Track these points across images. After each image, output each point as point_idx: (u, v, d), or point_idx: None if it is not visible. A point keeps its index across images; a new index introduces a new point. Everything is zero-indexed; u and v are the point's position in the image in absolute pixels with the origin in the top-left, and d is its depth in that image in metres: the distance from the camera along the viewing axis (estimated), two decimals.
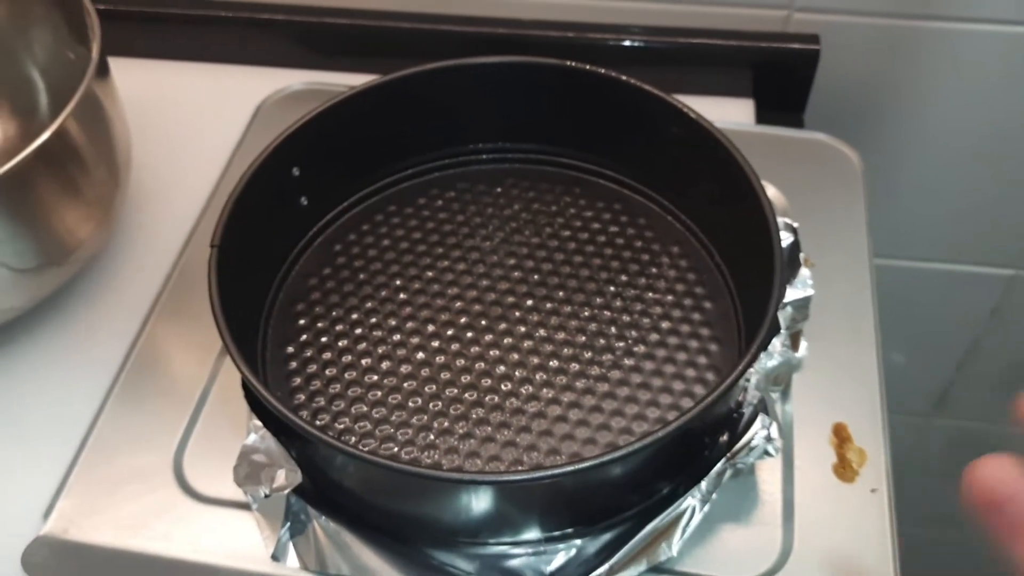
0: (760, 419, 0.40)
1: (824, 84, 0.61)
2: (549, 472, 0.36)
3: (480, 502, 0.38)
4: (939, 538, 0.98)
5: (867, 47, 0.61)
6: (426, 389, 0.44)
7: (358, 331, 0.47)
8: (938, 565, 0.90)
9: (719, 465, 0.39)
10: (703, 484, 0.39)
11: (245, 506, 0.42)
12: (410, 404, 0.44)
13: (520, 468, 0.41)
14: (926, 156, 0.68)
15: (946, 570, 0.95)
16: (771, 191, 0.43)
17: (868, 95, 0.64)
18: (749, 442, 0.40)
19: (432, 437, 0.43)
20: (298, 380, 0.45)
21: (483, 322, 0.47)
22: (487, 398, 0.44)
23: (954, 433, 0.90)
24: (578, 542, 0.40)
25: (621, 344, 0.46)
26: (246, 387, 0.40)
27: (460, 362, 0.45)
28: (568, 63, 0.49)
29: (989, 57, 0.61)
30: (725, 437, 0.42)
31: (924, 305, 0.77)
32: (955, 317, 0.79)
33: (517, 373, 0.45)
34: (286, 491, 0.39)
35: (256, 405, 0.40)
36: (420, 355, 0.46)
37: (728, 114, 0.58)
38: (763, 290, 0.40)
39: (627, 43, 0.61)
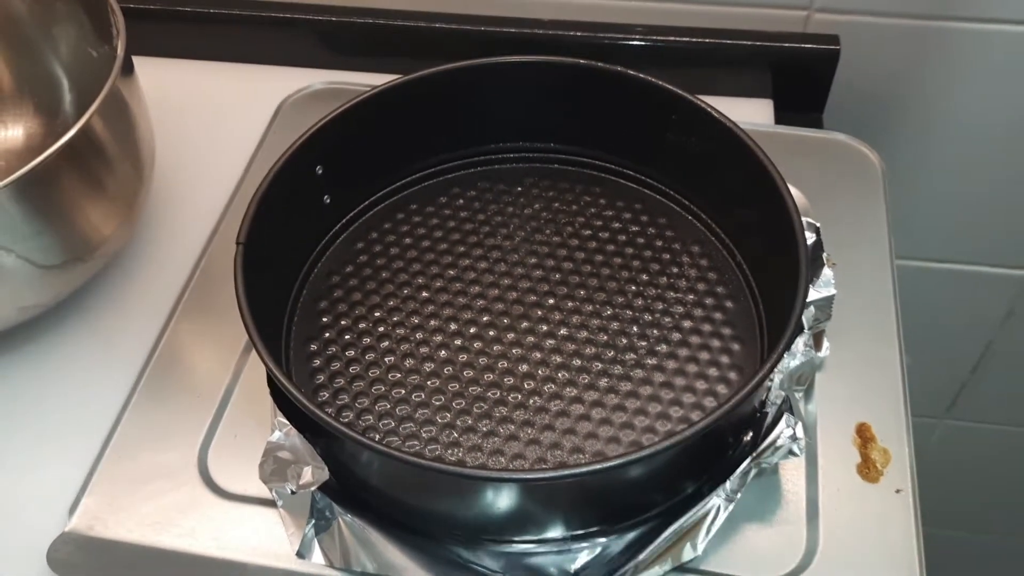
0: (785, 418, 0.40)
1: (843, 84, 0.61)
2: (575, 471, 0.36)
3: (505, 500, 0.38)
4: (953, 538, 0.98)
5: (887, 47, 0.61)
6: (449, 387, 0.44)
7: (381, 329, 0.47)
8: (953, 565, 0.90)
9: (744, 464, 0.39)
10: (728, 484, 0.39)
11: (270, 503, 0.42)
12: (433, 402, 0.44)
13: (545, 466, 0.41)
14: (942, 157, 0.68)
15: (958, 570, 0.95)
16: (792, 191, 0.43)
17: (887, 96, 0.64)
18: (774, 442, 0.40)
19: (455, 435, 0.43)
20: (321, 377, 0.45)
21: (505, 321, 0.47)
22: (510, 396, 0.44)
23: (967, 436, 0.90)
24: (603, 540, 0.40)
25: (643, 343, 0.46)
26: (272, 383, 0.41)
27: (483, 360, 0.45)
28: (589, 62, 0.49)
29: (1008, 58, 0.61)
30: (748, 436, 0.42)
31: (938, 306, 0.77)
32: (970, 319, 0.79)
33: (539, 372, 0.45)
34: (313, 488, 0.39)
35: (282, 401, 0.40)
36: (443, 353, 0.46)
37: (747, 114, 0.58)
38: (786, 290, 0.40)
39: (645, 43, 0.61)
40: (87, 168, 0.46)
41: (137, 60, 0.50)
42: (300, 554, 0.40)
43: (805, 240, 0.41)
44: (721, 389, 0.44)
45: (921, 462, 0.44)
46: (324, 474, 0.39)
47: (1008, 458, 0.91)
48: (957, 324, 0.78)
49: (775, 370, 0.41)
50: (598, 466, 0.35)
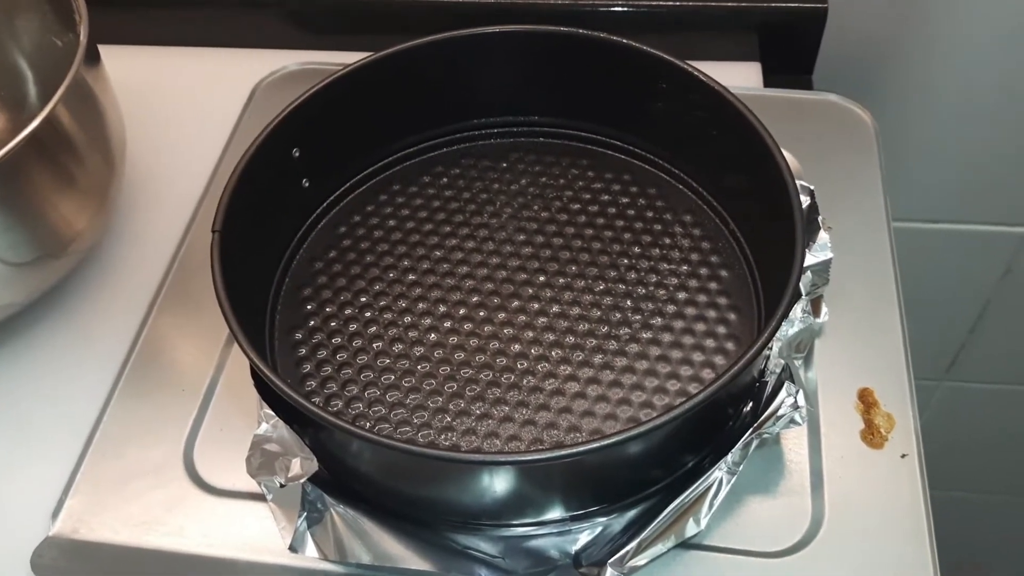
0: (786, 387, 0.39)
1: (831, 43, 0.60)
2: (572, 450, 0.34)
3: (502, 483, 0.37)
4: (955, 498, 0.98)
5: (875, 3, 0.59)
6: (440, 370, 0.43)
7: (368, 314, 0.45)
8: (956, 526, 0.89)
9: (746, 436, 0.38)
10: (729, 456, 0.38)
11: (259, 497, 0.41)
12: (424, 386, 0.43)
13: (541, 447, 0.40)
14: (935, 114, 0.66)
15: (964, 531, 0.94)
16: (785, 155, 0.42)
17: (876, 53, 0.63)
18: (776, 411, 0.38)
19: (449, 419, 0.41)
20: (308, 366, 0.44)
21: (495, 300, 0.46)
22: (503, 377, 0.43)
23: (967, 396, 0.89)
24: (603, 519, 0.39)
25: (637, 317, 0.45)
26: (256, 375, 0.39)
27: (474, 342, 0.44)
28: (570, 29, 0.48)
29: (1000, 11, 0.59)
30: (748, 407, 0.41)
31: (934, 267, 0.76)
32: (967, 278, 0.78)
33: (533, 350, 0.44)
34: (302, 480, 0.38)
35: (267, 393, 0.39)
36: (432, 336, 0.44)
37: (735, 78, 0.56)
38: (782, 256, 0.39)
39: (627, 8, 0.59)
40: (55, 160, 0.44)
41: (104, 49, 0.49)
42: (293, 548, 0.39)
43: (800, 204, 0.40)
44: (719, 360, 0.43)
45: (921, 424, 0.43)
46: (313, 465, 0.37)
47: (1009, 417, 0.90)
48: (954, 284, 0.77)
49: (773, 338, 0.40)
50: (596, 444, 0.34)
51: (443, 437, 0.41)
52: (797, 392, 0.39)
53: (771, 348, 0.41)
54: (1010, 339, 0.82)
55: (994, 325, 0.80)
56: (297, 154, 0.46)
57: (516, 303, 0.46)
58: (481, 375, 0.43)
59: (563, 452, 0.34)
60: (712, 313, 0.45)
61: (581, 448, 0.34)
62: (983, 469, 0.96)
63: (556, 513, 0.39)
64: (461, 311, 0.45)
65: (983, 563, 1.06)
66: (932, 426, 0.84)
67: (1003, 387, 0.87)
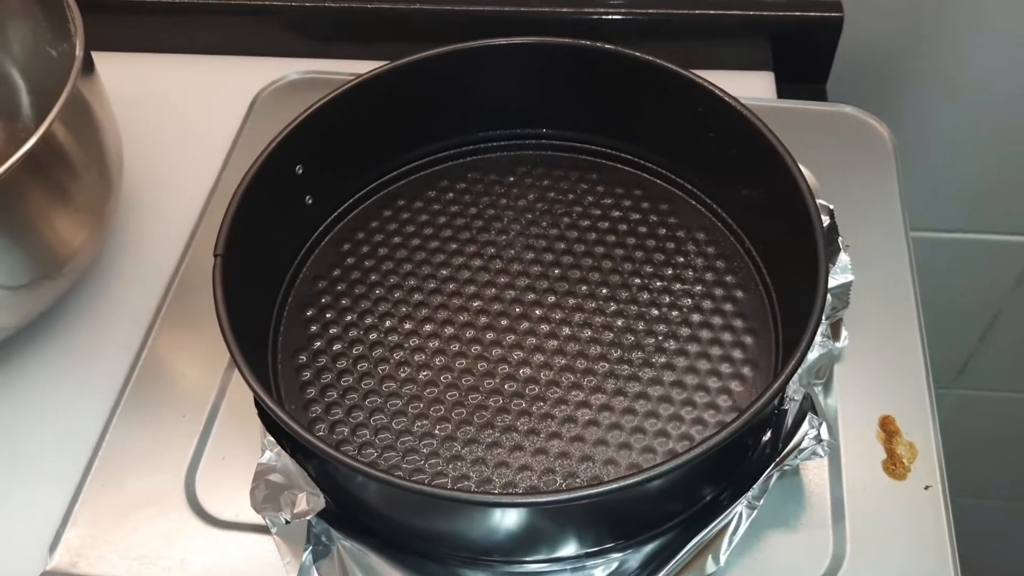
0: (808, 419, 0.37)
1: (846, 53, 0.58)
2: (588, 491, 0.33)
3: (514, 521, 0.36)
4: (961, 505, 0.97)
5: (890, 12, 0.58)
6: (448, 396, 0.42)
7: (373, 336, 0.44)
8: (964, 531, 0.89)
9: (768, 470, 0.37)
10: (750, 491, 0.37)
11: (264, 529, 0.40)
12: (432, 413, 0.41)
13: (554, 481, 0.39)
14: (948, 123, 0.65)
15: (973, 537, 0.93)
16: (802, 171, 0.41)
17: (890, 63, 0.61)
18: (798, 444, 0.37)
19: (457, 447, 0.40)
20: (313, 391, 0.42)
21: (504, 322, 0.44)
22: (513, 403, 0.42)
23: (976, 404, 0.88)
24: (619, 555, 0.38)
25: (650, 340, 0.43)
26: (259, 404, 0.38)
27: (482, 365, 0.43)
28: (579, 41, 0.46)
29: (1017, 21, 0.58)
30: (768, 436, 0.40)
31: (946, 277, 0.75)
32: (979, 287, 0.77)
33: (543, 375, 0.42)
34: (308, 517, 0.36)
35: (270, 423, 0.38)
36: (439, 360, 0.43)
37: (748, 89, 0.55)
38: (801, 276, 0.38)
39: (637, 17, 0.58)
40: (51, 178, 0.43)
41: (98, 56, 0.47)
42: None
43: (822, 227, 0.38)
44: (735, 386, 0.42)
45: None
46: (320, 502, 0.36)
47: (1018, 424, 0.89)
48: (966, 293, 0.76)
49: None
50: (614, 486, 0.32)
51: (451, 467, 0.40)
52: (820, 425, 0.37)
53: None
54: (1020, 348, 0.81)
55: (1005, 334, 0.79)
56: (300, 171, 0.45)
57: (525, 325, 0.44)
58: (490, 401, 0.42)
59: (578, 494, 0.33)
60: (728, 336, 0.43)
61: (598, 489, 0.33)
62: (992, 476, 0.95)
63: (570, 549, 0.38)
64: (468, 333, 0.44)
65: (995, 569, 1.05)
66: (941, 433, 0.83)
67: (1012, 395, 0.86)
